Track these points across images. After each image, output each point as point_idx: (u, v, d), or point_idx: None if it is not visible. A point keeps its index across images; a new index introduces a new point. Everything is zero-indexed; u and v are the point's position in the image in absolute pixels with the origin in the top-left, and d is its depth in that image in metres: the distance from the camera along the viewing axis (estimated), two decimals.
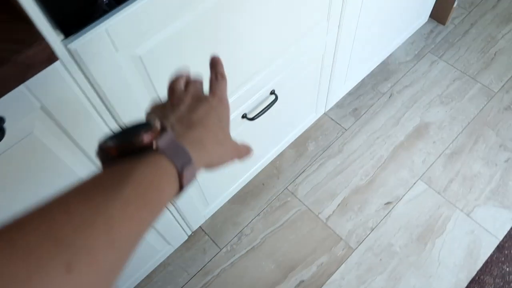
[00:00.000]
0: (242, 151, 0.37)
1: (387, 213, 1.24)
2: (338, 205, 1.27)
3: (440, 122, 1.39)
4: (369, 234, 1.21)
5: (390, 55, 1.55)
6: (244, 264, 1.20)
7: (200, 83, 0.37)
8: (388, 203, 1.26)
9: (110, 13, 0.48)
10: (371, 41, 1.24)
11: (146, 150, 0.26)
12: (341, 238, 1.21)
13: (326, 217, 1.25)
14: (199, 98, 0.34)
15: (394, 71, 1.52)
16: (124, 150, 0.26)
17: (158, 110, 0.34)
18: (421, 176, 1.30)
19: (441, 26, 1.62)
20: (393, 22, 1.28)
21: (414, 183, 1.29)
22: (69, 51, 0.46)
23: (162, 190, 0.25)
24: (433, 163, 1.32)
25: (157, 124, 0.28)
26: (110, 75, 0.53)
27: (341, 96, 1.42)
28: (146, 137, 0.26)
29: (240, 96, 0.82)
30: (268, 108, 0.90)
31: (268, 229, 1.25)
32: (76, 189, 0.23)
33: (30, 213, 0.20)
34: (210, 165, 0.32)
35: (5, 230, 0.19)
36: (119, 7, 0.48)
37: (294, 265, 1.18)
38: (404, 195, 1.27)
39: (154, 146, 0.26)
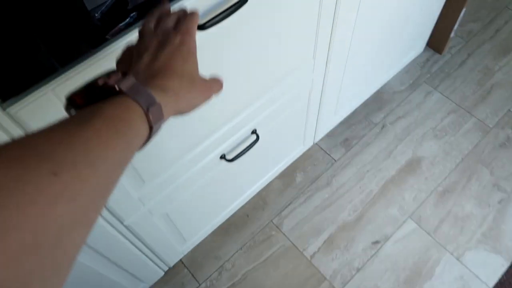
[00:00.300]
0: (214, 88, 0.36)
1: (375, 253, 1.19)
2: (324, 241, 1.22)
3: (433, 157, 1.35)
4: (355, 275, 1.16)
5: (384, 83, 1.51)
6: None
7: (171, 19, 0.36)
8: (376, 242, 1.21)
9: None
10: (363, 74, 1.19)
11: (111, 94, 0.27)
12: (325, 278, 1.16)
13: (311, 255, 1.20)
14: (164, 42, 0.33)
15: (388, 100, 1.48)
16: (89, 96, 0.27)
17: (127, 58, 0.35)
18: (411, 215, 1.25)
19: (437, 55, 1.58)
20: (387, 54, 1.24)
21: (404, 222, 1.24)
22: (9, 115, 0.42)
23: (131, 123, 0.26)
24: (424, 200, 1.27)
25: (119, 73, 0.28)
26: None
27: (331, 128, 1.37)
28: (108, 80, 0.27)
29: (218, 137, 0.78)
30: (249, 149, 0.86)
31: (250, 264, 1.20)
32: (47, 126, 0.23)
33: (6, 142, 0.21)
34: (181, 111, 0.32)
35: None
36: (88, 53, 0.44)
37: None
38: (392, 234, 1.22)
39: (116, 88, 0.27)
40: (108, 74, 0.28)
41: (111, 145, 0.24)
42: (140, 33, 0.36)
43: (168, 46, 0.33)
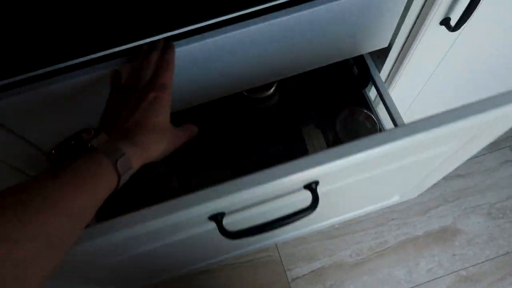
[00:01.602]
0: (184, 136, 0.41)
1: None
2: (312, 271, 1.13)
3: (473, 236, 1.15)
4: None
5: None
6: (190, 284, 1.13)
7: (149, 68, 0.39)
8: None
9: None
10: None
11: (84, 151, 0.32)
12: None
13: (293, 278, 1.13)
14: (139, 98, 0.37)
15: None
16: (65, 152, 0.32)
17: (112, 111, 0.39)
18: (416, 286, 1.10)
19: None
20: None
21: None
22: None
23: (100, 175, 0.31)
24: (439, 277, 1.11)
25: (91, 130, 0.34)
26: None
27: None
28: (82, 139, 0.33)
29: None
30: None
31: (231, 259, 1.16)
32: (29, 179, 0.28)
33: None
34: (150, 159, 0.36)
35: None
36: None
37: None
38: None
39: (89, 145, 0.32)
40: (82, 133, 0.33)
41: (75, 196, 0.28)
42: (123, 84, 0.40)
43: (142, 103, 0.37)
